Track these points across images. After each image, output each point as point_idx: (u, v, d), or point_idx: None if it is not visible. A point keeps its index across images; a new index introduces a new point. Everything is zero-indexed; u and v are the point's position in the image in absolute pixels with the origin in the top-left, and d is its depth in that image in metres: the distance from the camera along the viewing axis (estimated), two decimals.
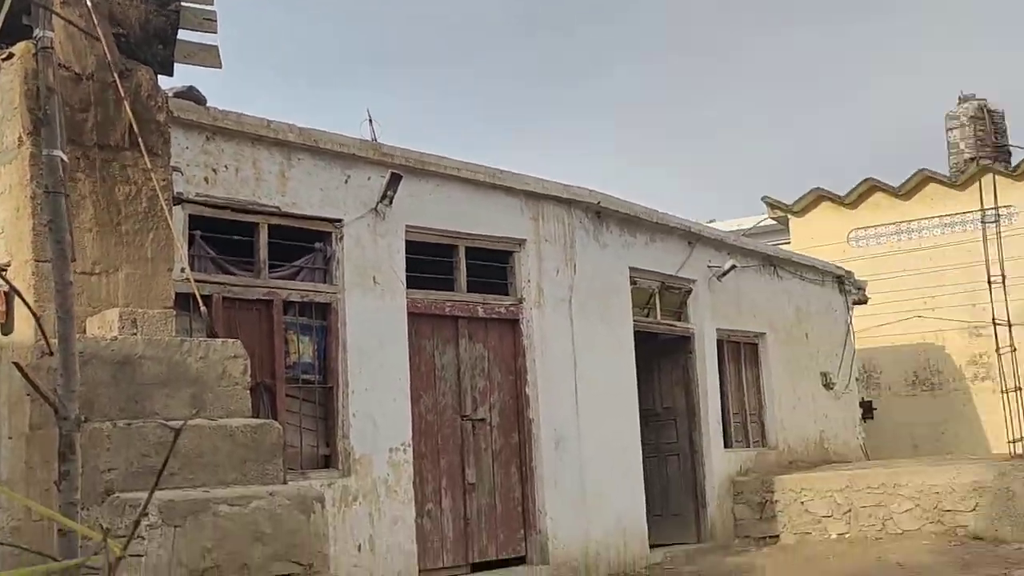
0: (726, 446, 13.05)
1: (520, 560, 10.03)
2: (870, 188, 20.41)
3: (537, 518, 10.09)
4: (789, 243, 20.10)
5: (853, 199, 20.49)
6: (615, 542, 10.77)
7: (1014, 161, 19.57)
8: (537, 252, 10.57)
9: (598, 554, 10.50)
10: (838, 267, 16.50)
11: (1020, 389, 11.91)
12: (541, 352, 10.40)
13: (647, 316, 12.31)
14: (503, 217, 10.36)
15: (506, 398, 10.24)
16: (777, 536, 12.17)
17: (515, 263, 10.50)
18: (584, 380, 10.77)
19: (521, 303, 10.42)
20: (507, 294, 10.42)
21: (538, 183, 10.67)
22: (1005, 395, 11.61)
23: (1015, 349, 12.26)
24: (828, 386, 15.37)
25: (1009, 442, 11.84)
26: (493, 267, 10.35)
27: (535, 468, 10.17)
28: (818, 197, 20.81)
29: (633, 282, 11.92)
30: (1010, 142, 20.00)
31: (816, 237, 20.02)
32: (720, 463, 12.71)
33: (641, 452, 11.56)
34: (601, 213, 11.45)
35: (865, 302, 17.12)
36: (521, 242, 10.49)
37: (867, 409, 16.95)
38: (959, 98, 20.32)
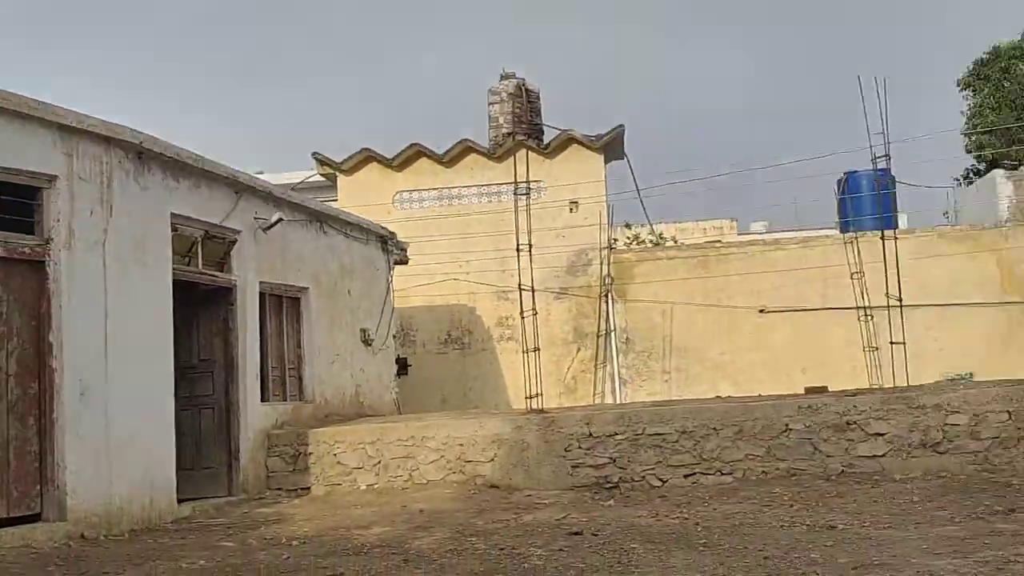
0: (263, 400, 13.00)
1: (36, 517, 9.38)
2: (416, 153, 21.17)
3: (56, 472, 9.47)
4: (337, 200, 20.39)
5: (399, 162, 21.15)
6: (141, 496, 10.39)
7: (546, 139, 21.17)
8: (69, 190, 9.86)
9: (121, 509, 10.07)
10: (382, 227, 16.97)
11: (538, 350, 12.94)
12: (69, 297, 9.74)
13: (188, 265, 11.93)
14: (32, 150, 9.54)
15: (26, 345, 9.50)
16: (309, 488, 12.36)
17: (44, 201, 9.72)
18: (116, 328, 10.23)
19: (49, 244, 9.69)
20: (33, 234, 9.65)
21: (74, 116, 9.94)
22: (525, 355, 12.57)
23: (536, 313, 13.30)
24: (367, 342, 15.80)
25: (526, 398, 12.84)
26: (18, 204, 9.51)
27: (56, 420, 9.53)
28: (367, 157, 21.26)
29: (175, 229, 11.49)
30: (544, 121, 21.60)
31: (363, 196, 20.46)
32: (256, 416, 12.65)
33: (174, 404, 11.22)
34: (143, 155, 10.90)
35: (406, 262, 17.78)
36: (52, 179, 9.73)
37: (403, 365, 17.63)
38: (501, 75, 21.61)
